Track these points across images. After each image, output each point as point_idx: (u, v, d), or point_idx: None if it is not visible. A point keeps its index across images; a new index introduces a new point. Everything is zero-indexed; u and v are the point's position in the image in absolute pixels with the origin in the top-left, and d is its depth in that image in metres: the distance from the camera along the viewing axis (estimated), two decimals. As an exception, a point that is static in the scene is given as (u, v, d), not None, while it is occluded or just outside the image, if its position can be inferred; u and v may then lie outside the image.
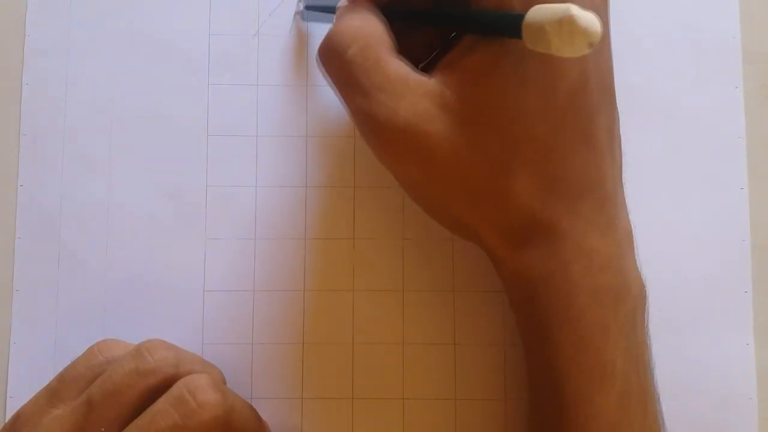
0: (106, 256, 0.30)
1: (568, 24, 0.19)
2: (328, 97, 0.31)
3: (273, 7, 0.31)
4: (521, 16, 0.21)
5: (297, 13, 0.31)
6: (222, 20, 0.31)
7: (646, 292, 0.25)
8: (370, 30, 0.24)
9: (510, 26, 0.22)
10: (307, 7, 0.30)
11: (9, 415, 0.28)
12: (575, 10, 0.19)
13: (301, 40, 0.31)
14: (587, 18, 0.19)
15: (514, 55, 0.23)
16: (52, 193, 0.30)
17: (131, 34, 0.31)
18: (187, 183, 0.30)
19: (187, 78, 0.31)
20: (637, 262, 0.25)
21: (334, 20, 0.26)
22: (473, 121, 0.23)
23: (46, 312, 0.30)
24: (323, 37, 0.25)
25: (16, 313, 0.30)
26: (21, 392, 0.28)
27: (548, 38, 0.20)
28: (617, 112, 0.25)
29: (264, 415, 0.28)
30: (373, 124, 0.24)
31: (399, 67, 0.23)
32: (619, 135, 0.25)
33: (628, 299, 0.23)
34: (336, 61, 0.24)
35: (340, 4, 0.26)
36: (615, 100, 0.25)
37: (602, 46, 0.24)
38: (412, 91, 0.23)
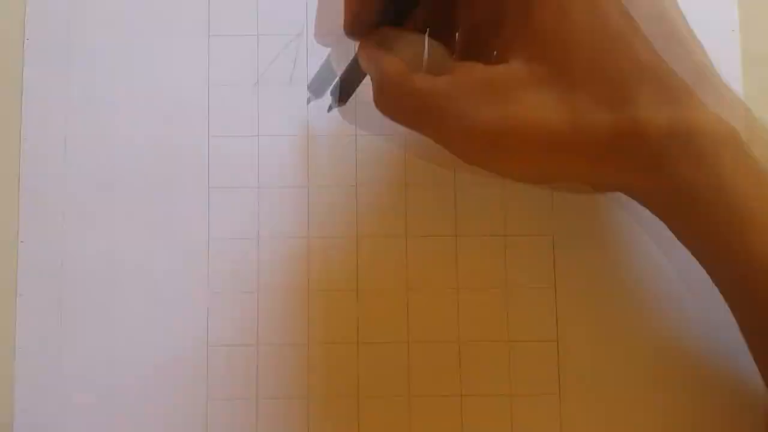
0: (108, 311, 0.30)
1: None
2: (327, 147, 0.31)
3: (273, 57, 0.31)
4: None
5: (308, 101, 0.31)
6: (221, 70, 0.31)
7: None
8: (419, 55, 0.23)
9: None
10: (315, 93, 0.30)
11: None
12: None
13: (302, 90, 0.31)
14: None
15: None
16: (53, 249, 0.30)
17: (130, 87, 0.31)
18: (188, 236, 0.30)
19: (187, 130, 0.31)
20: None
21: (374, 66, 0.24)
22: (574, 79, 0.21)
23: (48, 371, 0.29)
24: (376, 87, 0.24)
25: (18, 372, 0.29)
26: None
27: None
28: None
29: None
30: (495, 141, 0.22)
31: (478, 71, 0.22)
32: None
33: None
34: (411, 102, 0.23)
35: (357, 53, 0.25)
36: None
37: None
38: (511, 88, 0.22)
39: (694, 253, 0.24)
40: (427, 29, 0.25)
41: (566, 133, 0.21)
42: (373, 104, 0.24)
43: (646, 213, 0.28)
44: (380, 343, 0.30)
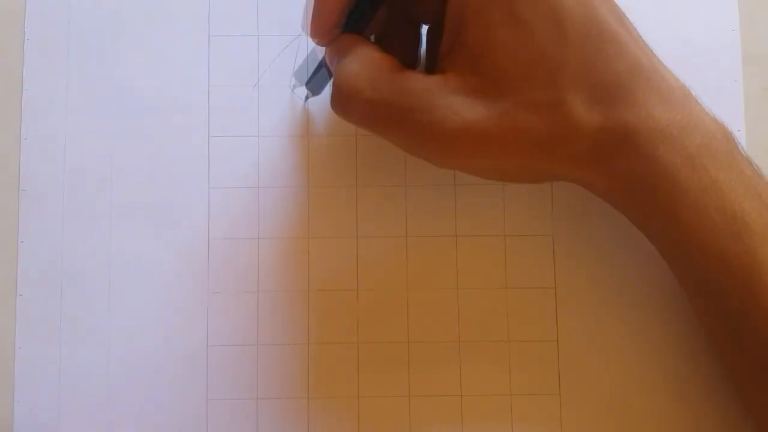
0: (108, 311, 0.30)
1: None
2: (327, 147, 0.31)
3: (273, 57, 0.31)
4: None
5: (291, 88, 0.31)
6: (221, 70, 0.31)
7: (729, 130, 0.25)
8: (367, 64, 0.25)
9: None
10: (305, 84, 0.30)
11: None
12: None
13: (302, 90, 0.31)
14: None
15: (501, 6, 0.23)
16: (52, 248, 0.30)
17: (130, 87, 0.31)
18: (188, 236, 0.30)
19: (187, 130, 0.31)
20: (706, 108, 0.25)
21: (333, 71, 0.26)
22: (504, 88, 0.23)
23: (48, 371, 0.29)
24: (331, 91, 0.25)
25: (18, 373, 0.29)
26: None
27: None
28: None
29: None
30: (424, 143, 0.25)
31: (416, 81, 0.24)
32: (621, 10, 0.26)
33: (722, 141, 0.24)
34: (357, 108, 0.25)
35: (322, 55, 0.27)
36: None
37: None
38: (442, 96, 0.24)
39: (646, 236, 0.26)
40: (372, 36, 0.28)
41: (495, 134, 0.24)
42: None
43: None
44: (380, 343, 0.30)
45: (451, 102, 0.23)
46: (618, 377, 0.30)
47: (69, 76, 0.31)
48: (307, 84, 0.30)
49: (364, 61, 0.25)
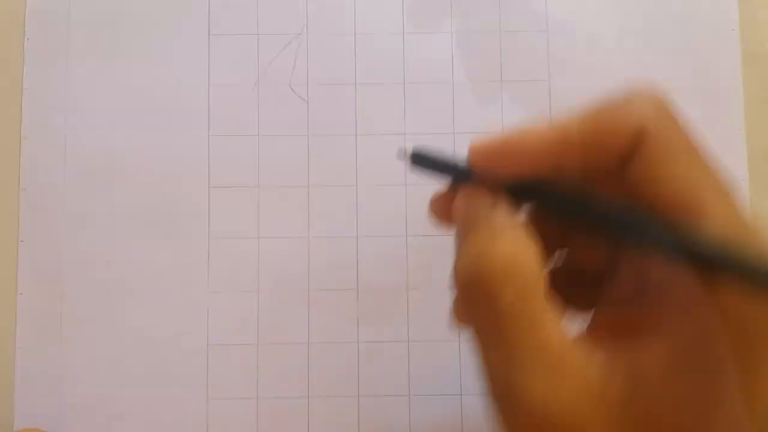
0: (108, 311, 0.30)
1: None
2: (327, 147, 0.31)
3: (272, 58, 0.31)
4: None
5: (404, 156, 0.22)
6: (221, 70, 0.31)
7: None
8: (526, 263, 0.18)
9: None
10: (414, 161, 0.22)
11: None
12: None
13: (302, 92, 0.31)
14: None
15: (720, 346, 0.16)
16: (53, 248, 0.30)
17: (130, 86, 0.31)
18: (188, 236, 0.30)
19: (187, 130, 0.31)
20: None
21: (478, 229, 0.19)
22: None
23: (48, 371, 0.29)
24: (466, 254, 0.18)
25: (19, 373, 0.29)
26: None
27: None
28: None
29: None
30: (518, 401, 0.17)
31: (559, 334, 0.17)
32: None
33: None
34: (485, 305, 0.18)
35: (465, 196, 0.20)
36: None
37: None
38: (573, 375, 0.17)
39: None
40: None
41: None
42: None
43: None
44: (380, 343, 0.30)
45: (578, 390, 0.17)
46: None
47: (69, 76, 0.31)
48: (413, 160, 0.21)
49: (521, 256, 0.17)
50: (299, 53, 0.31)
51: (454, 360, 0.30)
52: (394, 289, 0.30)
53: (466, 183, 0.20)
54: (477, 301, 0.18)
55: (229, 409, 0.29)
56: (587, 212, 0.18)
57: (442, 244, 0.30)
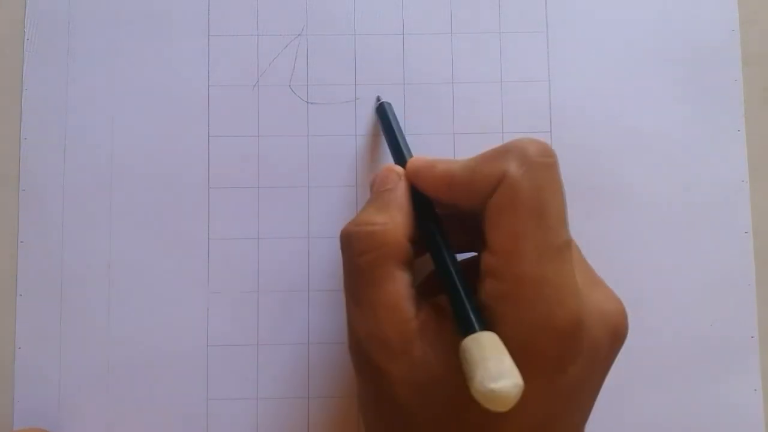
0: (108, 311, 0.30)
1: (491, 394, 0.19)
2: (327, 147, 0.31)
3: (272, 58, 0.31)
4: (472, 331, 0.21)
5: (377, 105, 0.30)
6: (221, 70, 0.31)
7: None
8: (390, 239, 0.23)
9: (462, 324, 0.21)
10: (378, 109, 0.30)
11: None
12: (503, 387, 0.19)
13: (302, 92, 0.31)
14: (511, 398, 0.19)
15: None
16: (52, 248, 0.30)
17: (130, 87, 0.31)
18: (188, 236, 0.30)
19: (187, 130, 0.31)
20: None
21: (367, 204, 0.25)
22: (423, 387, 0.22)
23: (48, 370, 0.29)
24: (349, 222, 0.24)
25: (18, 373, 0.29)
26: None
27: (470, 378, 0.19)
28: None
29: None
30: (351, 332, 0.24)
31: (395, 292, 0.23)
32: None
33: None
34: (350, 258, 0.24)
35: (385, 169, 0.26)
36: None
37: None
38: (393, 324, 0.23)
39: None
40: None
41: (401, 390, 0.23)
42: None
43: (646, 215, 0.28)
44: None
45: (394, 335, 0.23)
46: (618, 377, 0.30)
47: (69, 76, 0.31)
48: (378, 110, 0.30)
49: (388, 233, 0.24)
50: (299, 53, 0.31)
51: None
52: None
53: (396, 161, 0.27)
54: (345, 254, 0.24)
55: (229, 409, 0.29)
56: (428, 231, 0.24)
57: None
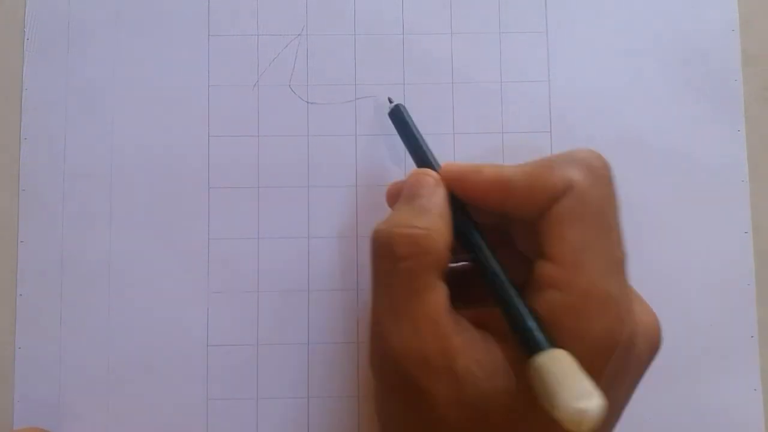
0: (108, 311, 0.30)
1: (578, 415, 0.18)
2: (327, 147, 0.31)
3: (272, 58, 0.31)
4: (541, 347, 0.20)
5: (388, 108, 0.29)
6: (221, 70, 0.31)
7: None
8: (432, 245, 0.22)
9: (529, 342, 0.20)
10: (391, 113, 0.29)
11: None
12: (593, 409, 0.18)
13: (302, 92, 0.31)
14: (596, 418, 0.18)
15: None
16: (52, 248, 0.30)
17: (130, 87, 0.31)
18: (188, 236, 0.30)
19: (187, 130, 0.31)
20: None
21: (399, 206, 0.24)
22: (469, 405, 0.21)
23: (48, 370, 0.29)
24: (384, 221, 0.23)
25: (18, 373, 0.29)
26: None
27: (551, 395, 0.18)
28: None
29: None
30: (383, 345, 0.22)
31: (437, 304, 0.21)
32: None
33: None
34: (387, 263, 0.22)
35: (418, 174, 0.25)
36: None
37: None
38: (435, 339, 0.21)
39: None
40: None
41: (433, 416, 0.21)
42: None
43: (645, 214, 0.28)
44: (380, 343, 0.30)
45: (433, 355, 0.21)
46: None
47: (69, 76, 0.31)
48: (392, 113, 0.29)
49: (429, 238, 0.22)
50: (299, 53, 0.31)
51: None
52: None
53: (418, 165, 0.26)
54: (382, 258, 0.22)
55: (229, 409, 0.29)
56: (472, 241, 0.23)
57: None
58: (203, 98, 0.31)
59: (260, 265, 0.30)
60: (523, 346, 0.20)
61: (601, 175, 0.22)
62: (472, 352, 0.21)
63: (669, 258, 0.30)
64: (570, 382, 0.19)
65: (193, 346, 0.30)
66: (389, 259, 0.22)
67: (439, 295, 0.22)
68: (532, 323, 0.21)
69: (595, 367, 0.20)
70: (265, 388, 0.30)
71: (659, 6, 0.32)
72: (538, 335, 0.20)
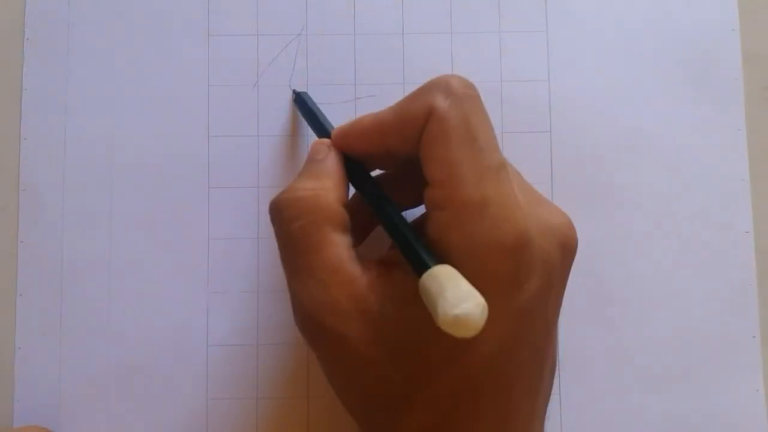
0: (108, 311, 0.30)
1: (458, 321, 0.18)
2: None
3: (272, 58, 0.31)
4: (426, 268, 0.20)
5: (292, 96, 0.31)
6: (221, 70, 0.31)
7: None
8: (321, 203, 0.23)
9: (416, 265, 0.21)
10: (295, 100, 0.30)
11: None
12: (470, 309, 0.18)
13: (303, 89, 0.31)
14: (477, 318, 0.18)
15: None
16: (52, 248, 0.30)
17: (130, 87, 0.31)
18: (188, 236, 0.30)
19: (187, 130, 0.31)
20: None
21: (299, 174, 0.25)
22: (386, 340, 0.22)
23: (48, 370, 0.29)
24: (279, 192, 0.24)
25: (18, 373, 0.29)
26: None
27: (434, 310, 0.19)
28: (554, 359, 0.25)
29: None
30: (296, 304, 0.23)
31: (336, 255, 0.23)
32: (550, 383, 0.24)
33: None
34: (281, 227, 0.24)
35: (314, 144, 0.26)
36: (553, 352, 0.24)
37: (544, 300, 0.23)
38: (339, 286, 0.22)
39: None
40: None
41: (354, 358, 0.23)
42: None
43: (646, 214, 0.28)
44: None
45: (341, 300, 0.22)
46: (618, 377, 0.30)
47: (69, 76, 0.31)
48: (296, 99, 0.30)
49: (320, 198, 0.23)
50: (299, 53, 0.31)
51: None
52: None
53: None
54: (277, 224, 0.24)
55: (229, 409, 0.29)
56: (366, 192, 0.25)
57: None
58: (203, 98, 0.31)
59: (260, 265, 0.30)
60: (415, 271, 0.21)
61: (460, 93, 0.22)
62: (381, 289, 0.22)
63: (670, 258, 0.30)
64: (447, 293, 0.19)
65: (193, 346, 0.30)
66: (283, 222, 0.23)
67: (337, 246, 0.23)
68: (417, 246, 0.22)
69: (489, 270, 0.21)
70: (265, 388, 0.30)
71: (659, 6, 0.32)
72: (424, 255, 0.21)
